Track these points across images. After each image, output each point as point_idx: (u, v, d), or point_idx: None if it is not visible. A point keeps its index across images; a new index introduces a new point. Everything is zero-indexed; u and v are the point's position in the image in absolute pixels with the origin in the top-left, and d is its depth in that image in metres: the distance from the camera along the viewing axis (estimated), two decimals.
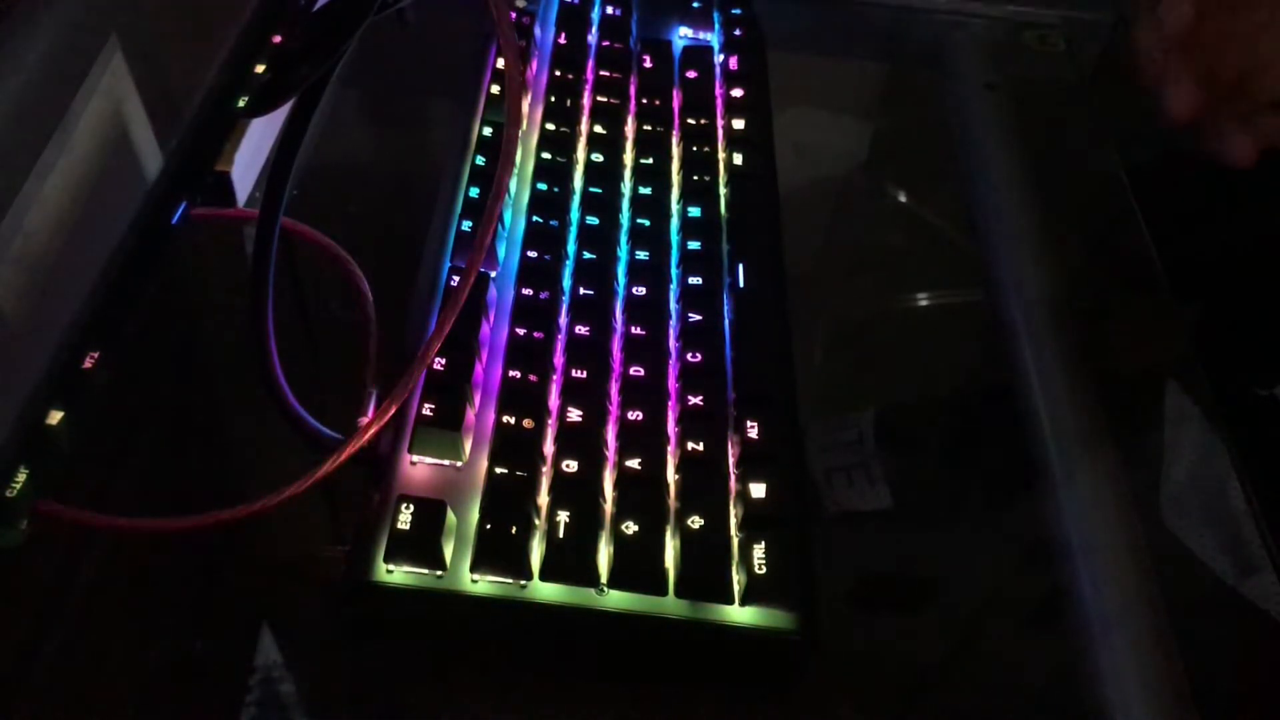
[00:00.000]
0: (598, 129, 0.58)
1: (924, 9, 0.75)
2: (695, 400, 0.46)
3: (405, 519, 0.41)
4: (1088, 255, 0.64)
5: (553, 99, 0.59)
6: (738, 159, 0.57)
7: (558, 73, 0.60)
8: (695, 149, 0.58)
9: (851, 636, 0.45)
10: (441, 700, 0.42)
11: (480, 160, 0.54)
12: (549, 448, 0.45)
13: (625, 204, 0.55)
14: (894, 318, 0.60)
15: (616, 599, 0.41)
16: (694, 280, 0.51)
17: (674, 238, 0.54)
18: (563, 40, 0.63)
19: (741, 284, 0.51)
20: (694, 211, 0.54)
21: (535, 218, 0.53)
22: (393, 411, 0.43)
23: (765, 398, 0.47)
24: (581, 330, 0.48)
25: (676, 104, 0.61)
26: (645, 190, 0.55)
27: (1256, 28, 0.52)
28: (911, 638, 0.46)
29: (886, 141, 0.70)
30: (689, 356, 0.48)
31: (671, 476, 0.45)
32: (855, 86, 0.75)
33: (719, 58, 0.63)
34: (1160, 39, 0.53)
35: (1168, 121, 0.52)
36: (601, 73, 0.61)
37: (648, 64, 0.62)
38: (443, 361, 0.45)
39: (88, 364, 0.37)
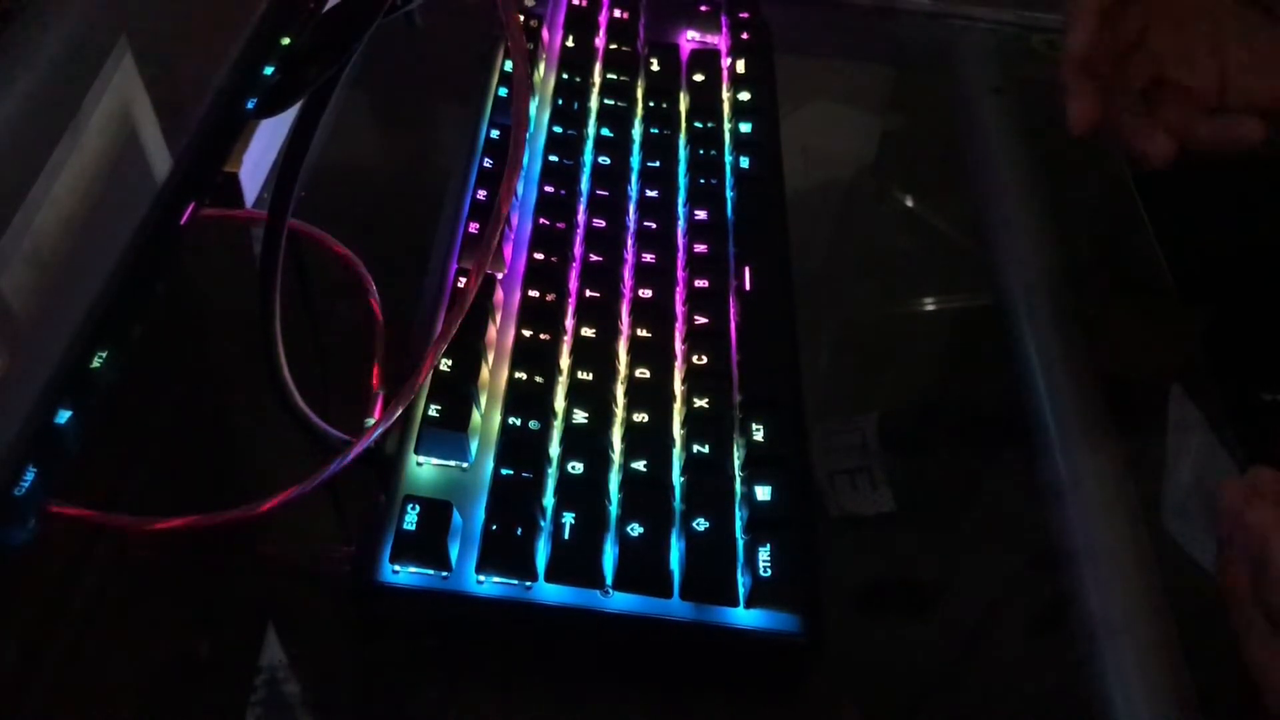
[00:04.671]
0: (605, 132, 0.58)
1: (931, 13, 0.75)
2: (701, 402, 0.46)
3: (411, 520, 0.41)
4: (1094, 260, 0.64)
5: (560, 102, 0.59)
6: (744, 162, 0.57)
7: (565, 76, 0.61)
8: (702, 152, 0.58)
9: (855, 639, 0.45)
10: (447, 701, 0.42)
11: (488, 162, 0.54)
12: (555, 449, 0.45)
13: (632, 206, 0.55)
14: (899, 321, 0.60)
15: (621, 600, 0.41)
16: (700, 283, 0.51)
17: (680, 240, 0.54)
18: (570, 43, 0.63)
19: (748, 287, 0.51)
20: (700, 214, 0.54)
21: (542, 220, 0.53)
22: (399, 412, 0.44)
23: (771, 400, 0.47)
24: (587, 332, 0.48)
25: (683, 107, 0.61)
26: (652, 193, 0.55)
27: (1204, 35, 0.54)
28: (915, 641, 0.46)
29: (894, 145, 0.70)
30: (695, 359, 0.48)
31: (677, 479, 0.45)
32: (862, 90, 0.75)
33: (726, 61, 0.64)
34: (1064, 57, 0.55)
35: (1071, 132, 0.54)
36: (609, 76, 0.61)
37: (655, 67, 0.62)
38: (449, 363, 0.46)
39: (96, 363, 0.37)
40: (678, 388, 0.48)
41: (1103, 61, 0.55)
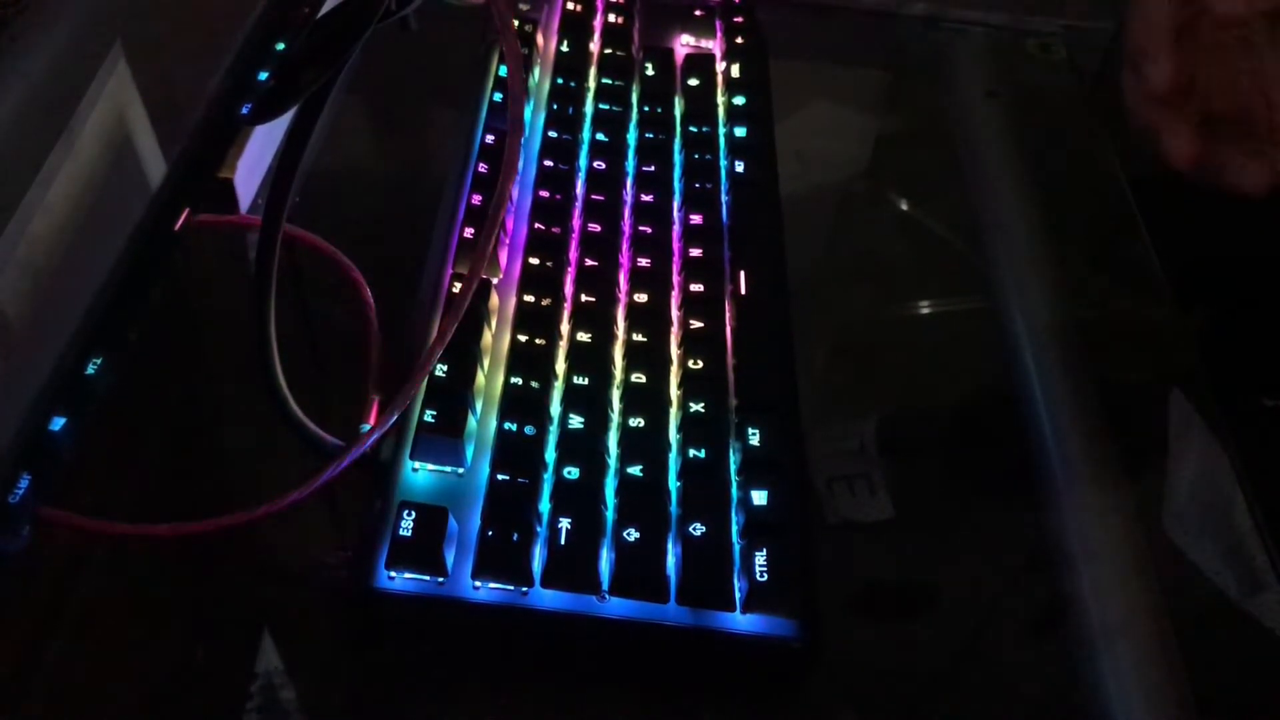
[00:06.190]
0: (600, 136, 0.58)
1: (926, 17, 0.75)
2: (697, 407, 0.46)
3: (407, 525, 0.41)
4: (1090, 263, 0.64)
5: (555, 106, 0.59)
6: (740, 166, 0.57)
7: (560, 80, 0.61)
8: (697, 156, 0.58)
9: (853, 645, 0.45)
10: (443, 706, 0.42)
11: (483, 167, 0.54)
12: (551, 454, 0.45)
13: (627, 211, 0.55)
14: (895, 326, 0.60)
15: (618, 606, 0.41)
16: (696, 287, 0.51)
17: (676, 245, 0.54)
18: (565, 48, 0.63)
19: (743, 291, 0.51)
20: (696, 219, 0.54)
21: (537, 224, 0.53)
22: (395, 418, 0.43)
23: (767, 405, 0.47)
24: (583, 337, 0.48)
25: (679, 111, 0.61)
26: (647, 197, 0.55)
27: (1246, 71, 0.54)
28: (913, 646, 0.46)
29: (888, 149, 0.70)
30: (691, 363, 0.48)
31: (673, 483, 0.45)
32: (857, 94, 0.75)
33: (721, 65, 0.64)
34: (1147, 92, 0.54)
35: (1170, 167, 0.54)
36: (604, 80, 0.61)
37: (650, 72, 0.62)
38: (445, 368, 0.46)
39: (90, 370, 0.37)
40: (674, 392, 0.48)
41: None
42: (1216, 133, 0.54)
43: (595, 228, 0.53)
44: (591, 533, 0.42)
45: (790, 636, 0.41)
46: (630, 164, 0.58)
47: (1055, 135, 0.69)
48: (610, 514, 0.43)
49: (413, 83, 0.67)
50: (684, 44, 0.65)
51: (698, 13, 0.66)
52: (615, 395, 0.47)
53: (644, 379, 0.47)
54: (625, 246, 0.53)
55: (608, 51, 0.63)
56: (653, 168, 0.57)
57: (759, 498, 0.43)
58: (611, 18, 0.65)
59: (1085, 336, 0.57)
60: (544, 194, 0.54)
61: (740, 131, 0.59)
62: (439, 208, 0.55)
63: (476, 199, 0.53)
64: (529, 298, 0.50)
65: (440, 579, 0.41)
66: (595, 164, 0.57)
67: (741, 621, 0.41)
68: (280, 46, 0.42)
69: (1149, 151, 0.55)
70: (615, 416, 0.46)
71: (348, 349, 0.51)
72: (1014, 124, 0.68)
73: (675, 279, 0.52)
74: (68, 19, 0.37)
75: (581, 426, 0.45)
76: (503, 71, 0.60)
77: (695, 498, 0.44)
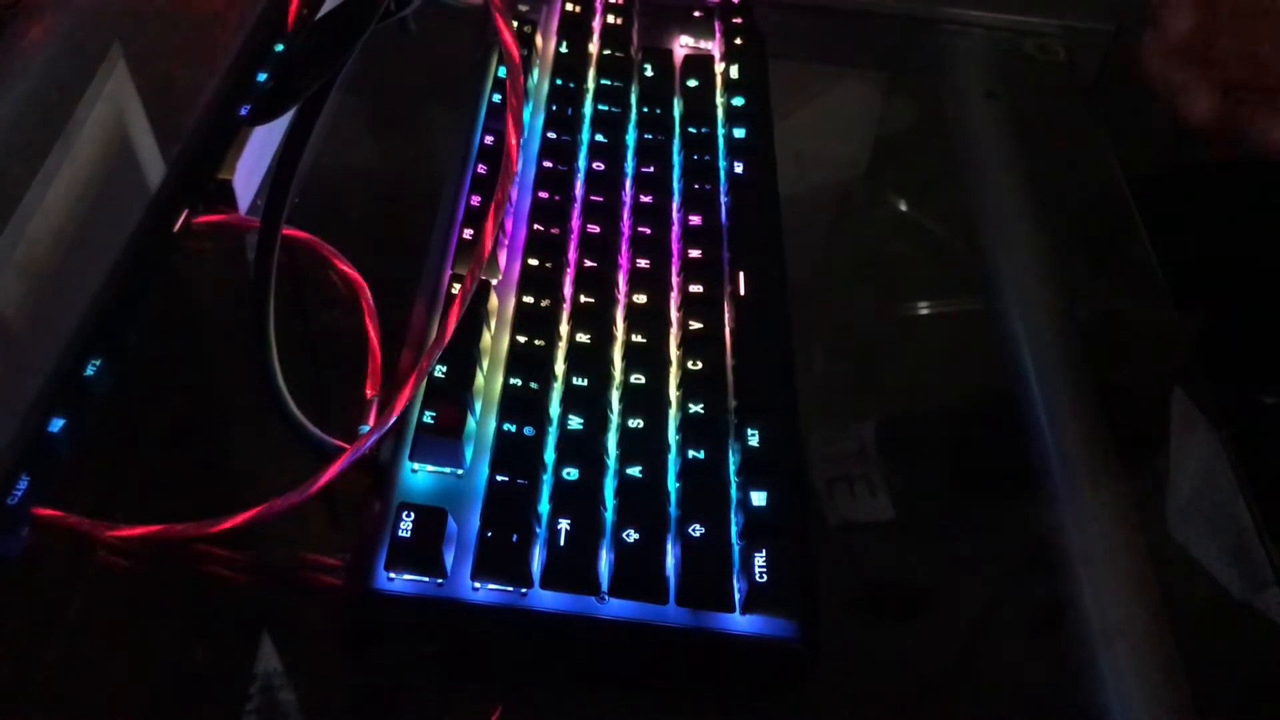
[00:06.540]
0: (599, 137, 0.58)
1: (925, 18, 0.75)
2: (696, 408, 0.46)
3: (406, 527, 0.41)
4: (1089, 263, 0.64)
5: (554, 108, 0.59)
6: (738, 167, 0.57)
7: (559, 81, 0.61)
8: (696, 157, 0.58)
9: (853, 646, 0.45)
10: (442, 708, 0.42)
11: (481, 168, 0.54)
12: (550, 455, 0.45)
13: (626, 212, 0.55)
14: (895, 326, 0.60)
15: (617, 607, 0.41)
16: (695, 288, 0.51)
17: (675, 246, 0.54)
18: (564, 49, 0.63)
19: (742, 292, 0.51)
20: (695, 220, 0.54)
21: (537, 225, 0.53)
22: (394, 419, 0.43)
23: (766, 406, 0.47)
24: (582, 338, 0.48)
25: (677, 113, 0.61)
26: (646, 199, 0.55)
27: (1261, 31, 0.54)
28: (913, 647, 0.46)
29: (887, 150, 0.70)
30: (690, 364, 0.48)
31: (672, 484, 0.45)
32: (856, 95, 0.75)
33: (720, 66, 0.64)
34: (1168, 46, 0.54)
35: (1187, 125, 0.54)
36: (602, 81, 0.61)
37: (649, 73, 0.62)
38: (444, 369, 0.46)
39: (89, 371, 0.37)
40: (673, 393, 0.48)
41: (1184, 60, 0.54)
42: (1239, 99, 0.54)
43: (594, 229, 0.53)
44: (591, 534, 0.42)
45: (790, 637, 0.41)
46: (629, 165, 0.58)
47: (1055, 135, 0.69)
48: (610, 515, 0.43)
49: (411, 84, 0.67)
50: (683, 45, 0.65)
51: (696, 14, 0.66)
52: (614, 396, 0.47)
53: (643, 380, 0.47)
54: (624, 247, 0.53)
55: (607, 53, 0.63)
56: (652, 169, 0.57)
57: (758, 499, 0.43)
58: (610, 19, 0.65)
59: (1085, 336, 0.57)
60: (543, 195, 0.54)
61: (739, 132, 0.59)
62: (438, 208, 0.55)
63: (475, 200, 0.53)
64: (528, 299, 0.50)
65: (439, 580, 0.41)
66: (594, 165, 0.57)
67: (741, 622, 0.41)
68: (279, 47, 0.42)
69: (1168, 111, 0.55)
70: (614, 417, 0.46)
71: (347, 349, 0.51)
72: (1014, 124, 0.68)
73: (674, 280, 0.52)
74: (67, 19, 0.37)
75: (581, 427, 0.45)
76: (501, 73, 0.60)
77: (694, 499, 0.44)
